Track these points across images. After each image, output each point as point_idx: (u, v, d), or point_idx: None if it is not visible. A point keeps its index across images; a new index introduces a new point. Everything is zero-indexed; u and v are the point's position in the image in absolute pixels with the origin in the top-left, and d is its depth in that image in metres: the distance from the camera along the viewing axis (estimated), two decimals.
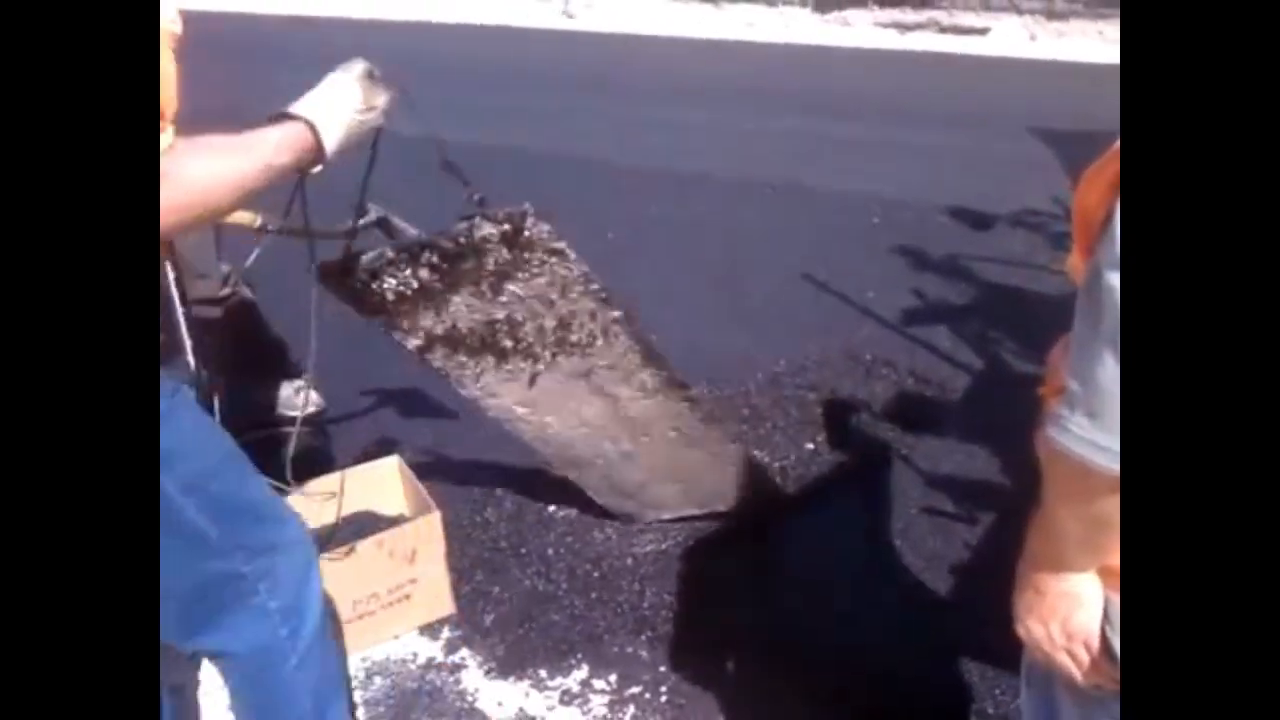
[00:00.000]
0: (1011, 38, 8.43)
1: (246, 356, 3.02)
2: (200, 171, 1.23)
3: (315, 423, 2.82)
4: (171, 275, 2.63)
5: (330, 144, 1.36)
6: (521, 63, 7.50)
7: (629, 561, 2.42)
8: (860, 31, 8.83)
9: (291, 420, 2.82)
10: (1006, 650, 1.12)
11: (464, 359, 2.00)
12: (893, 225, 4.44)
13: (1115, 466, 0.85)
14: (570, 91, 6.64)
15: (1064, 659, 1.06)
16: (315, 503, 2.36)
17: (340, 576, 2.14)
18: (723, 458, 2.36)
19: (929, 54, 8.36)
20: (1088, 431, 0.87)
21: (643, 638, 2.21)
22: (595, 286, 1.90)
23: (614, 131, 5.79)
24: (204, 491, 1.42)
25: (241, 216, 1.85)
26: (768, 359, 3.26)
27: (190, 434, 1.45)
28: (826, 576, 2.35)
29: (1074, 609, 1.03)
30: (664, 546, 2.46)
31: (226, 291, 2.91)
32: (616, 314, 1.95)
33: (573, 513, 2.58)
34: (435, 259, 1.77)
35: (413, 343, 1.96)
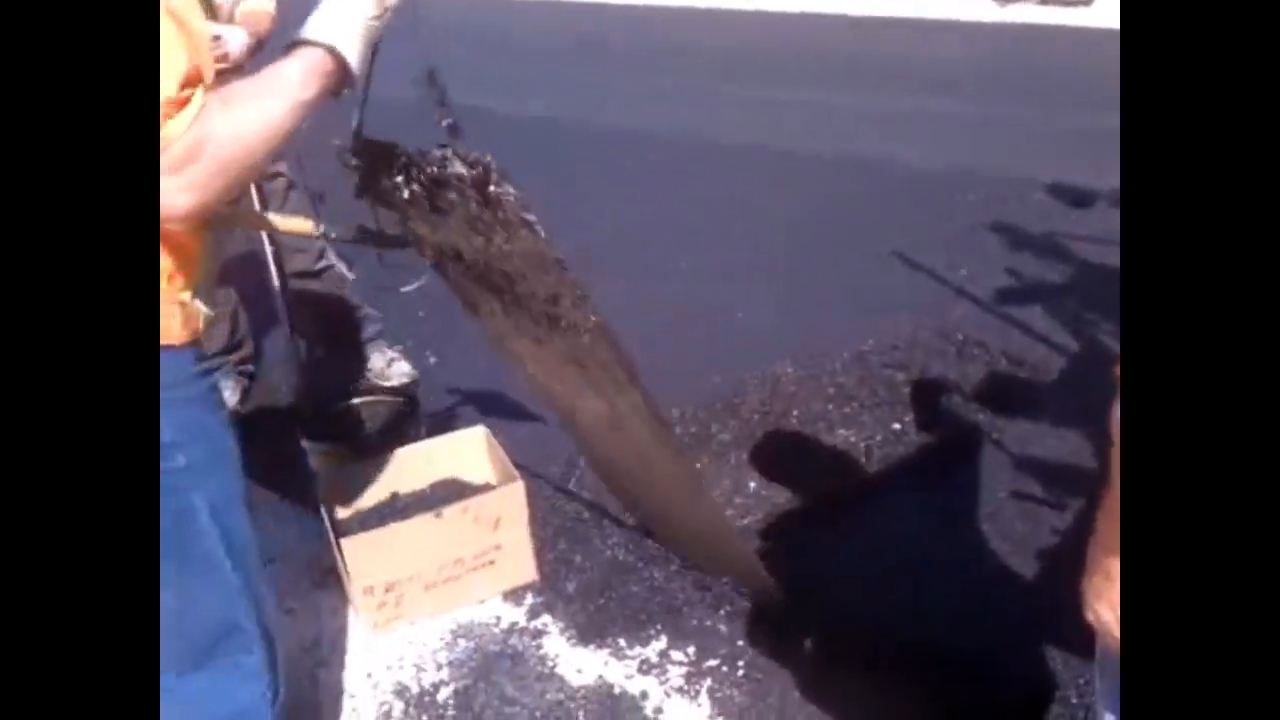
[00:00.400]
0: (1115, 10, 8.11)
1: (340, 327, 3.12)
2: (234, 127, 1.18)
3: (406, 393, 2.90)
4: (270, 249, 2.74)
5: (354, 63, 1.26)
6: (602, 37, 7.51)
7: None
8: (957, 3, 8.59)
9: (382, 389, 2.91)
10: (1090, 638, 1.11)
11: (476, 287, 1.81)
12: (989, 202, 4.33)
13: None
14: (658, 66, 6.62)
15: None
16: (404, 469, 2.44)
17: (427, 540, 2.22)
18: (706, 516, 2.13)
19: (1029, 26, 8.09)
20: None
21: (721, 612, 2.23)
22: (571, 277, 1.71)
23: (704, 107, 5.76)
24: (226, 521, 1.38)
25: (301, 225, 1.83)
26: (856, 337, 3.23)
27: (229, 455, 1.42)
28: (909, 558, 2.33)
29: None
30: (745, 521, 2.47)
31: (322, 265, 3.01)
32: (595, 318, 1.75)
33: None
34: (422, 179, 1.58)
35: (428, 251, 1.78)
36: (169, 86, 1.11)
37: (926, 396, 2.91)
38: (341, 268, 3.10)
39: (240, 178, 1.24)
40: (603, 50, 7.03)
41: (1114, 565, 1.03)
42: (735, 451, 2.75)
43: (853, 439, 2.77)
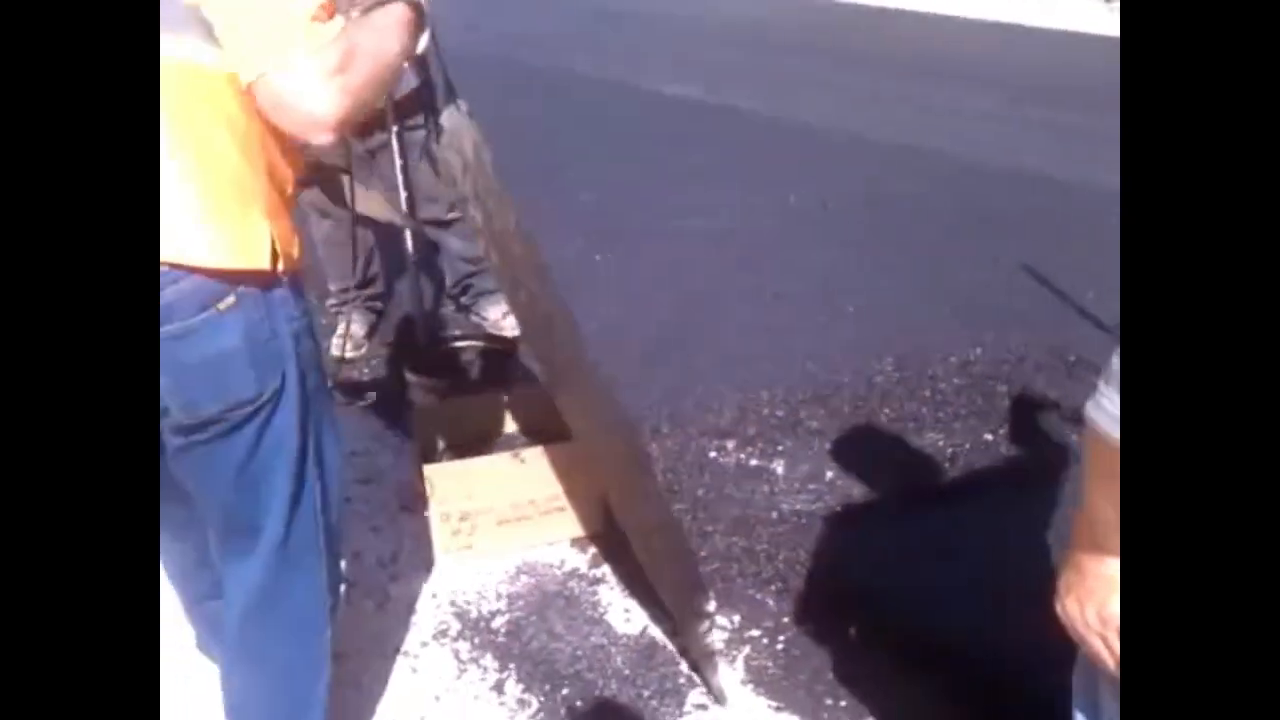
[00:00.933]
0: None
1: (460, 276, 3.31)
2: (376, 44, 1.22)
3: (507, 343, 3.05)
4: (404, 194, 2.93)
5: (428, 10, 1.30)
6: (759, 25, 7.51)
7: (774, 515, 2.49)
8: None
9: (488, 337, 3.08)
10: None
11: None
12: None
13: None
14: (806, 58, 6.58)
15: (1096, 643, 1.06)
16: (495, 412, 2.59)
17: (505, 478, 2.36)
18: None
19: None
20: (1109, 402, 0.87)
21: (772, 588, 2.28)
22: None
23: (847, 102, 5.71)
24: (320, 442, 1.47)
25: (378, 206, 1.95)
26: (964, 345, 3.19)
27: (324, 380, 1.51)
28: (970, 566, 2.32)
29: (1109, 593, 1.03)
30: (812, 507, 2.51)
31: (452, 215, 3.19)
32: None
33: (730, 462, 2.68)
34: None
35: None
36: None
37: (1025, 411, 2.86)
38: (476, 217, 3.28)
39: (376, 96, 1.27)
40: (762, 41, 7.05)
41: (1082, 560, 1.05)
42: (819, 440, 2.78)
43: (941, 444, 2.75)
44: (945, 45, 6.75)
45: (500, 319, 3.30)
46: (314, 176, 1.70)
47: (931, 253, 3.90)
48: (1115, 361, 0.89)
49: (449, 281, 3.40)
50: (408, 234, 3.00)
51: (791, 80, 6.09)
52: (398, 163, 2.92)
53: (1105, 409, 0.89)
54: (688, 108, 5.68)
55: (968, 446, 2.74)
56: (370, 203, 1.91)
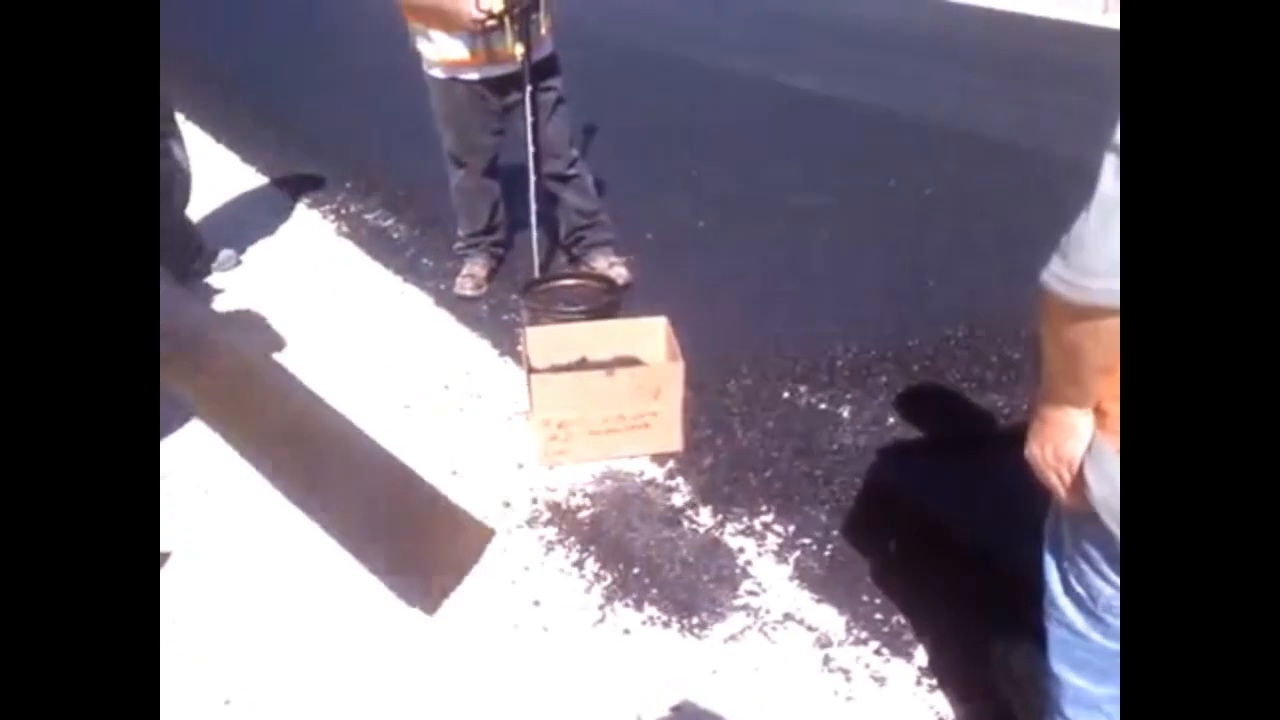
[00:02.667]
0: None
1: (573, 228, 3.67)
2: None
3: (611, 283, 3.38)
4: (531, 149, 3.30)
5: None
6: (869, 20, 7.66)
7: (835, 447, 2.76)
8: None
9: (594, 276, 3.43)
10: None
11: None
12: None
13: (1072, 295, 1.12)
14: (923, 57, 6.73)
15: (1053, 479, 1.32)
16: (595, 339, 2.93)
17: (598, 393, 2.69)
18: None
19: None
20: (1059, 269, 1.14)
21: (825, 506, 2.56)
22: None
23: (958, 99, 5.85)
24: None
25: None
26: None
27: None
28: (1011, 499, 2.53)
29: (1066, 438, 1.29)
30: (860, 444, 2.77)
31: (572, 172, 3.55)
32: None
33: (799, 402, 2.96)
34: None
35: None
36: None
37: None
38: (588, 178, 3.65)
39: None
40: (882, 40, 7.23)
41: (1044, 409, 1.32)
42: (886, 392, 3.03)
43: (1000, 403, 2.97)
44: (1061, 50, 6.82)
45: (607, 269, 3.65)
46: None
47: (1019, 239, 4.06)
48: (1065, 238, 1.15)
49: (563, 233, 3.75)
50: (531, 189, 3.38)
51: (905, 77, 6.27)
52: (529, 119, 3.29)
53: (1055, 274, 1.15)
54: (802, 98, 5.94)
55: (1025, 408, 2.94)
56: None
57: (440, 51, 3.27)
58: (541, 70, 3.32)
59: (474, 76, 3.32)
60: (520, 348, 3.02)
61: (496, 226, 3.74)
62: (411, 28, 3.31)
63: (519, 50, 3.17)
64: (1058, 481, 1.32)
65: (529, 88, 3.26)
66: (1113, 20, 7.63)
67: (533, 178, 3.45)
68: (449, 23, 3.15)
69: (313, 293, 3.82)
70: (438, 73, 3.35)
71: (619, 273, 3.64)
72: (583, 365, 2.91)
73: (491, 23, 3.09)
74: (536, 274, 3.47)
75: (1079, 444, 1.28)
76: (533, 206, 3.47)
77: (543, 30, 3.26)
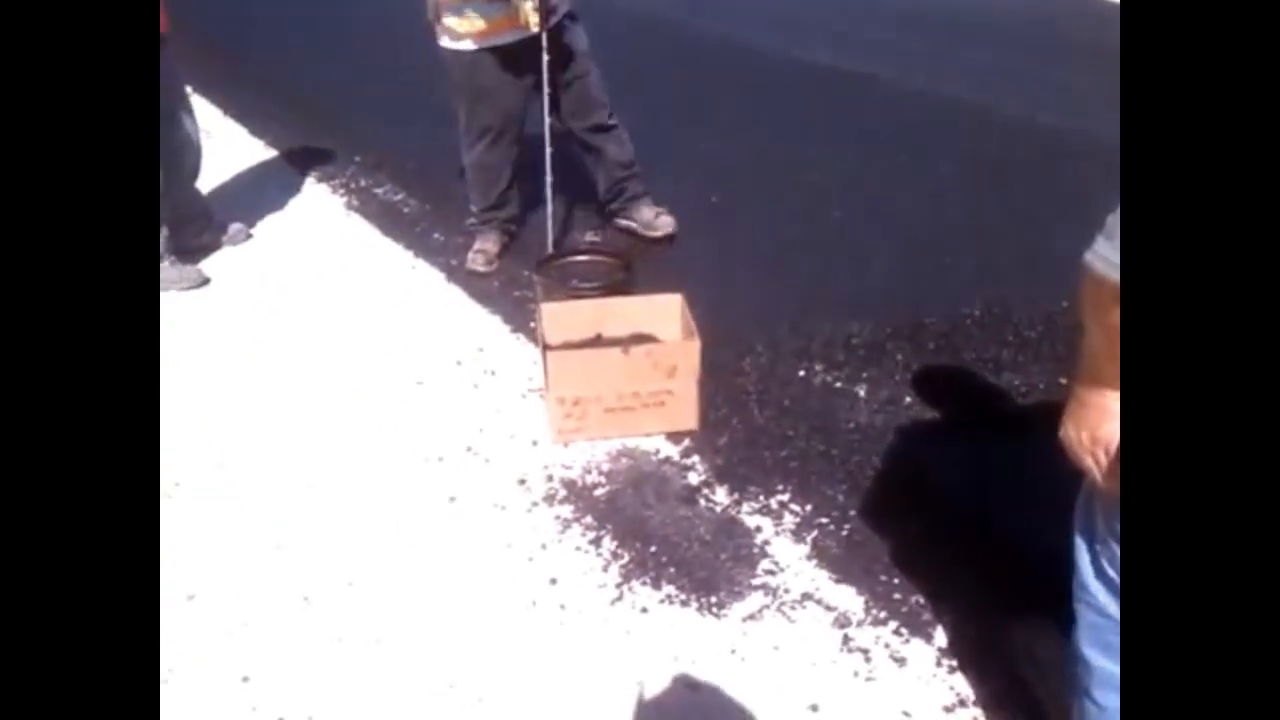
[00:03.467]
0: None
1: (604, 184, 3.66)
2: None
3: (625, 258, 3.37)
4: (548, 120, 3.27)
5: None
6: (927, 6, 7.57)
7: (851, 426, 2.75)
8: None
9: (605, 251, 3.42)
10: None
11: None
12: None
13: (1116, 276, 1.10)
14: (933, 30, 6.65)
15: (1090, 462, 1.31)
16: (610, 316, 2.91)
17: (613, 370, 2.67)
18: None
19: None
20: (1103, 249, 1.12)
21: (843, 485, 2.55)
22: None
23: (989, 81, 5.80)
24: None
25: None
26: (1052, 298, 3.33)
27: None
28: (1027, 481, 2.51)
29: (1103, 420, 1.27)
30: (887, 423, 2.75)
31: (613, 121, 3.54)
32: None
33: (815, 381, 2.94)
34: None
35: None
36: None
37: None
38: (626, 137, 3.64)
39: None
40: (921, 22, 7.16)
41: (1081, 391, 1.30)
42: (902, 371, 3.01)
43: (1016, 383, 2.95)
44: (1078, 28, 6.74)
45: (653, 219, 3.71)
46: None
47: (1036, 218, 4.04)
48: (1111, 219, 1.13)
49: (603, 188, 3.75)
50: (547, 159, 3.36)
51: (922, 54, 6.20)
52: (545, 83, 3.29)
53: (1101, 255, 1.13)
54: (818, 73, 5.87)
55: (1041, 386, 2.93)
56: None
57: (473, 23, 3.25)
58: (568, 25, 3.35)
59: (509, 40, 3.29)
60: (534, 324, 3.01)
61: (509, 201, 3.71)
62: (440, 3, 3.26)
63: (534, 20, 3.18)
64: (1094, 465, 1.30)
65: (546, 59, 3.26)
66: None
67: (548, 149, 3.43)
68: None
69: (323, 268, 3.79)
70: (468, 45, 3.31)
71: (665, 221, 3.72)
72: (598, 342, 2.89)
73: None
74: (550, 247, 3.46)
75: (1116, 427, 1.26)
76: (548, 181, 3.45)
77: None
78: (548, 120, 3.36)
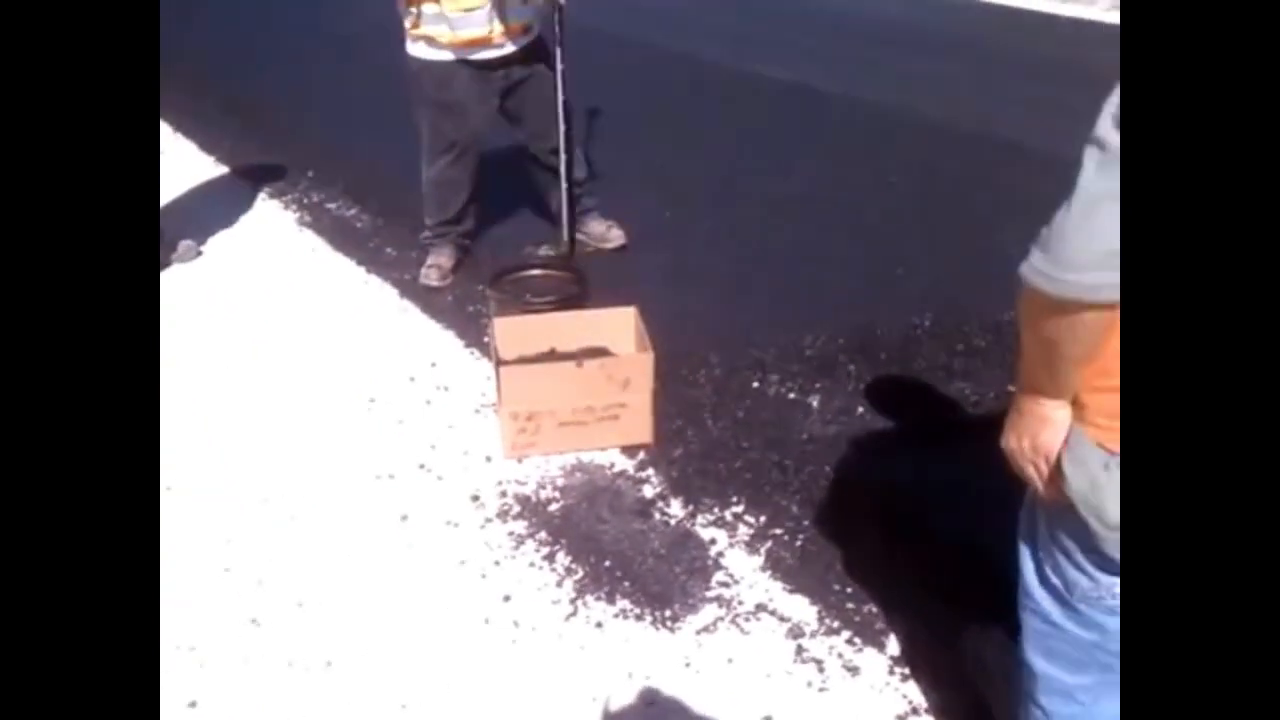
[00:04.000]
0: None
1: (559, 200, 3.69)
2: None
3: (577, 271, 3.37)
4: (562, 120, 3.31)
5: None
6: (839, 11, 7.66)
7: (804, 437, 2.76)
8: None
9: (557, 263, 3.42)
10: None
11: None
12: None
13: (1051, 288, 1.12)
14: (886, 44, 6.74)
15: (1030, 471, 1.32)
16: (563, 330, 2.91)
17: (567, 384, 2.67)
18: None
19: None
20: (1038, 262, 1.14)
21: (796, 496, 2.56)
22: None
23: (922, 89, 5.88)
24: None
25: None
26: (1000, 307, 3.38)
27: None
28: (978, 489, 2.54)
29: (1043, 429, 1.29)
30: (840, 434, 2.77)
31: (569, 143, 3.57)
32: None
33: (769, 392, 2.96)
34: None
35: None
36: None
37: None
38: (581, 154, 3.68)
39: None
40: (856, 32, 7.24)
41: (1021, 400, 1.32)
42: (855, 381, 3.03)
43: (967, 391, 2.99)
44: (1027, 41, 6.86)
45: (605, 232, 3.76)
46: None
47: (986, 229, 4.09)
48: (1045, 230, 1.15)
49: (557, 205, 3.77)
50: (562, 159, 3.49)
51: (874, 67, 6.28)
52: (560, 88, 3.42)
53: (1035, 267, 1.15)
54: (771, 87, 5.92)
55: (992, 395, 2.96)
56: None
57: (456, 32, 3.27)
58: (540, 45, 3.43)
59: (485, 56, 3.34)
60: (487, 339, 2.99)
61: (466, 216, 3.70)
62: (420, 12, 3.27)
63: None
64: (1035, 473, 1.32)
65: (559, 49, 3.35)
66: (1076, 10, 7.70)
67: (563, 151, 3.53)
68: None
69: (274, 284, 3.75)
70: (446, 55, 3.32)
71: (616, 234, 3.78)
72: (551, 356, 2.88)
73: None
74: (566, 239, 3.59)
75: (1056, 436, 1.28)
76: (562, 169, 3.55)
77: None
78: (562, 124, 3.46)
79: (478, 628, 2.20)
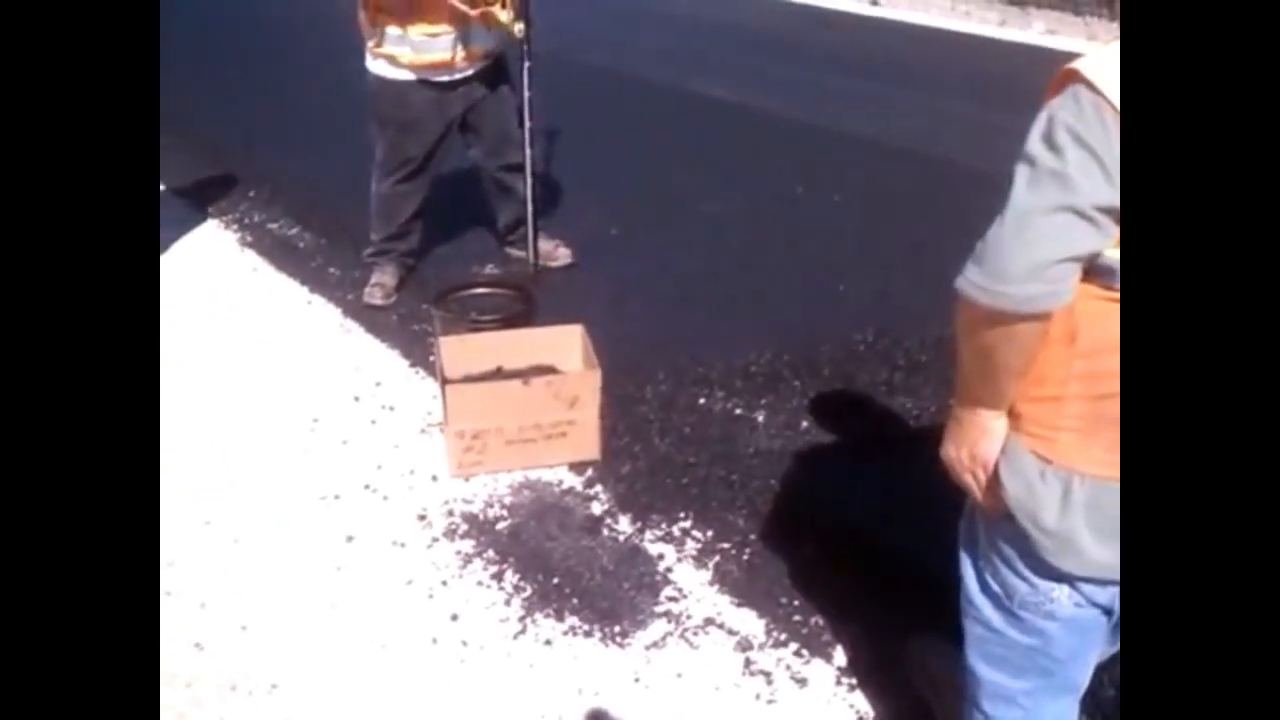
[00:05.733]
0: None
1: (509, 217, 3.72)
2: None
3: (525, 289, 3.38)
4: (529, 138, 3.32)
5: None
6: (778, 32, 7.80)
7: (750, 451, 2.79)
8: None
9: (506, 283, 3.42)
10: None
11: None
12: None
13: (986, 301, 1.15)
14: (825, 65, 6.87)
15: (969, 480, 1.36)
16: (510, 348, 2.91)
17: (513, 402, 2.67)
18: None
19: None
20: (973, 274, 1.17)
21: (743, 510, 2.58)
22: None
23: (859, 107, 6.01)
24: None
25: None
26: (940, 323, 3.45)
27: None
28: (918, 501, 2.58)
29: (980, 438, 1.33)
30: (784, 448, 2.80)
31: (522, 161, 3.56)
32: None
33: (715, 408, 2.98)
34: None
35: None
36: None
37: None
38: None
39: None
40: (782, 48, 7.36)
41: (959, 411, 1.35)
42: (799, 396, 3.07)
43: (909, 405, 3.04)
44: (962, 61, 7.03)
45: (552, 250, 3.78)
46: None
47: (924, 244, 4.18)
48: (980, 245, 1.18)
49: (503, 222, 3.80)
50: (527, 176, 3.54)
51: (813, 87, 6.38)
52: (526, 101, 3.50)
53: (971, 280, 1.18)
54: (713, 105, 5.99)
55: (933, 409, 3.02)
56: None
57: (420, 54, 3.28)
58: (498, 66, 3.48)
59: (444, 79, 3.37)
60: (433, 358, 2.98)
61: (411, 233, 3.68)
62: (384, 32, 3.27)
63: (519, 28, 3.32)
64: (973, 482, 1.35)
65: (528, 66, 3.39)
66: (1011, 34, 7.91)
67: (529, 174, 3.55)
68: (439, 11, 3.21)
69: (215, 305, 3.69)
70: (407, 75, 3.33)
71: (563, 252, 3.80)
72: (498, 374, 2.87)
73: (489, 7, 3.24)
74: (532, 260, 3.61)
75: (994, 445, 1.32)
76: (527, 190, 3.59)
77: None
78: (529, 143, 3.49)
79: (425, 648, 2.18)
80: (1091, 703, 1.78)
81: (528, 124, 3.46)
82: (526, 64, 3.40)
